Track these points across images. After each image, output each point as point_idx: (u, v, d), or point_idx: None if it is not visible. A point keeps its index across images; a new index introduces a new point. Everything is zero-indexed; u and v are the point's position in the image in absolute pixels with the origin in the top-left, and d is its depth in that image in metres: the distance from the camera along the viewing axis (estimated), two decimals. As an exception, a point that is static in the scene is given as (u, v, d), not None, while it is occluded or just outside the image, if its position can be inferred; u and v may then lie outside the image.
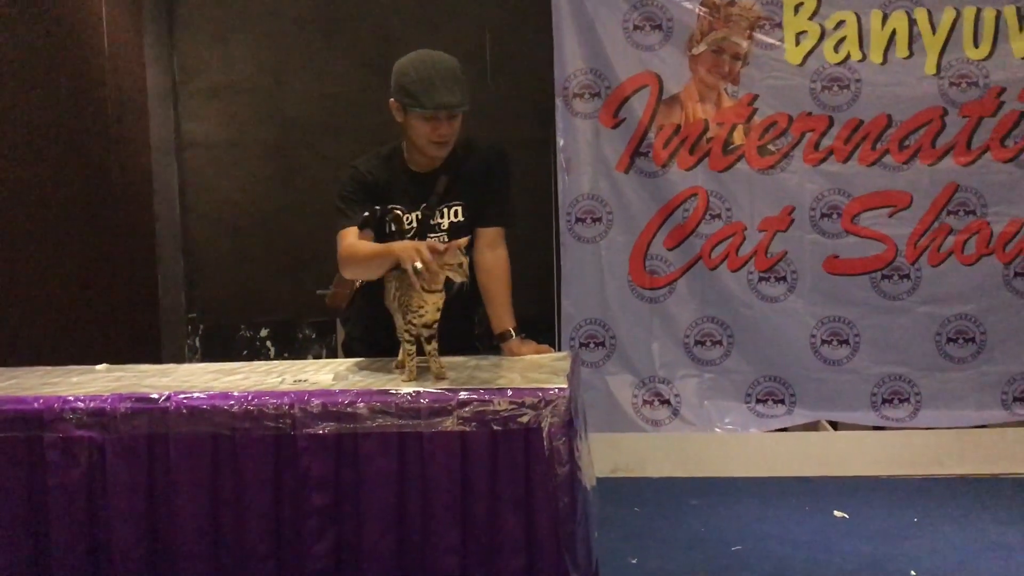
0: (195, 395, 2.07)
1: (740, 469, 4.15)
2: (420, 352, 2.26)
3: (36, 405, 2.08)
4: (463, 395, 2.03)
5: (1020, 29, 4.16)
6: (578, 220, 4.36)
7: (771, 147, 4.27)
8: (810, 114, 4.24)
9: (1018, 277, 4.23)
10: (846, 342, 4.30)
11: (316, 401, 2.04)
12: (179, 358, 4.92)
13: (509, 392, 2.03)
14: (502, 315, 2.62)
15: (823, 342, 4.31)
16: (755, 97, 4.26)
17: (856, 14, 4.20)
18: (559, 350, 3.07)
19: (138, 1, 4.71)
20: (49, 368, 2.60)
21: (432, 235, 2.57)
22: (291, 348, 5.15)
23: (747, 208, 4.29)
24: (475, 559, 2.03)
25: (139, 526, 2.05)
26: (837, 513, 3.67)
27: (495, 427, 2.00)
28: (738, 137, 4.27)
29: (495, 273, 2.63)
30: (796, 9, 4.21)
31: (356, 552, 2.04)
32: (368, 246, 2.44)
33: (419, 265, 2.15)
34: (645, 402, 4.37)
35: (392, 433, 2.02)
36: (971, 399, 4.27)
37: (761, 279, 4.31)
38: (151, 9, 4.89)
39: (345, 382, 2.21)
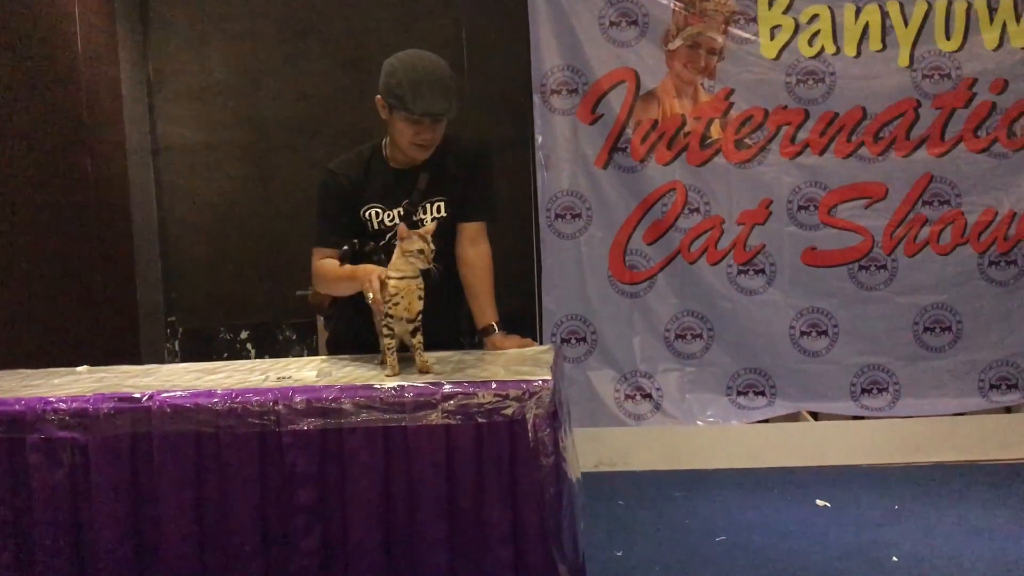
0: (178, 394, 2.06)
1: (723, 461, 4.18)
2: (402, 348, 2.26)
3: (17, 407, 2.06)
4: (447, 388, 2.03)
5: (991, 21, 4.21)
6: (558, 216, 4.37)
7: (748, 141, 4.30)
8: (786, 107, 4.27)
9: (992, 266, 4.28)
10: (825, 333, 4.33)
11: (300, 397, 2.04)
12: (159, 362, 4.89)
13: (493, 384, 2.03)
14: (485, 310, 2.62)
15: (802, 333, 4.34)
16: (731, 91, 4.29)
17: (830, 8, 4.23)
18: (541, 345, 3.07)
19: (111, 3, 4.67)
20: (29, 371, 2.57)
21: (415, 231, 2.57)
22: (272, 350, 5.12)
23: (725, 202, 4.32)
24: (462, 552, 2.03)
25: (123, 526, 2.04)
26: (819, 502, 3.70)
27: (480, 420, 2.00)
28: (715, 131, 4.30)
29: (477, 268, 2.63)
30: (770, 4, 4.25)
31: (343, 548, 2.04)
32: (335, 270, 2.49)
33: (370, 296, 2.21)
34: (627, 396, 4.39)
35: (377, 428, 2.01)
36: (949, 387, 4.31)
37: (740, 272, 4.34)
38: (124, 11, 4.85)
39: (329, 378, 2.20)
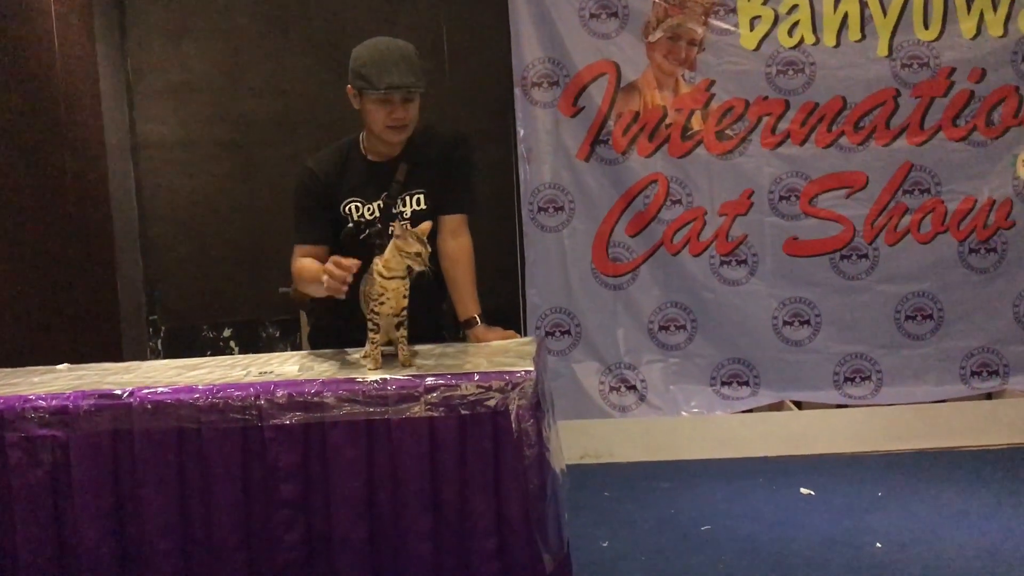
0: (159, 390, 2.05)
1: (707, 451, 4.19)
2: (385, 342, 2.26)
3: (-4, 405, 2.05)
4: (430, 381, 2.02)
5: (968, 10, 4.24)
6: (540, 209, 4.37)
7: (729, 132, 4.31)
8: (766, 98, 4.28)
9: (973, 254, 4.31)
10: (807, 323, 4.35)
11: (282, 392, 2.03)
12: (143, 361, 4.86)
13: (476, 376, 2.03)
14: (467, 302, 2.62)
15: (785, 323, 4.36)
16: (712, 82, 4.30)
17: (809, -2, 4.25)
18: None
19: (88, 1, 4.63)
20: (8, 370, 2.55)
21: (394, 223, 2.56)
22: (255, 347, 5.10)
23: (707, 193, 4.33)
24: (447, 544, 2.03)
25: (106, 524, 2.02)
26: (803, 490, 3.72)
27: (463, 411, 2.00)
28: (696, 123, 4.31)
29: (458, 261, 2.63)
30: (749, -6, 4.26)
31: (327, 542, 2.03)
32: (310, 271, 2.46)
33: (324, 284, 2.23)
34: (612, 388, 4.40)
35: (360, 421, 2.01)
36: (931, 375, 4.35)
37: (723, 263, 4.35)
38: (101, 9, 4.81)
39: (311, 372, 2.19)
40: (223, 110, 5.05)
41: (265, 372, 2.21)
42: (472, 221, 2.69)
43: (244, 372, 2.23)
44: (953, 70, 4.24)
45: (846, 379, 4.36)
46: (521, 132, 4.36)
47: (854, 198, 4.31)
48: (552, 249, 4.38)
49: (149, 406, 2.02)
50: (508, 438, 1.99)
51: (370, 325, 2.24)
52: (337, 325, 2.66)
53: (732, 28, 4.27)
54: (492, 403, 2.00)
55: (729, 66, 4.29)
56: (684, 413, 4.35)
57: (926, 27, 4.25)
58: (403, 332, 2.24)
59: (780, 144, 4.30)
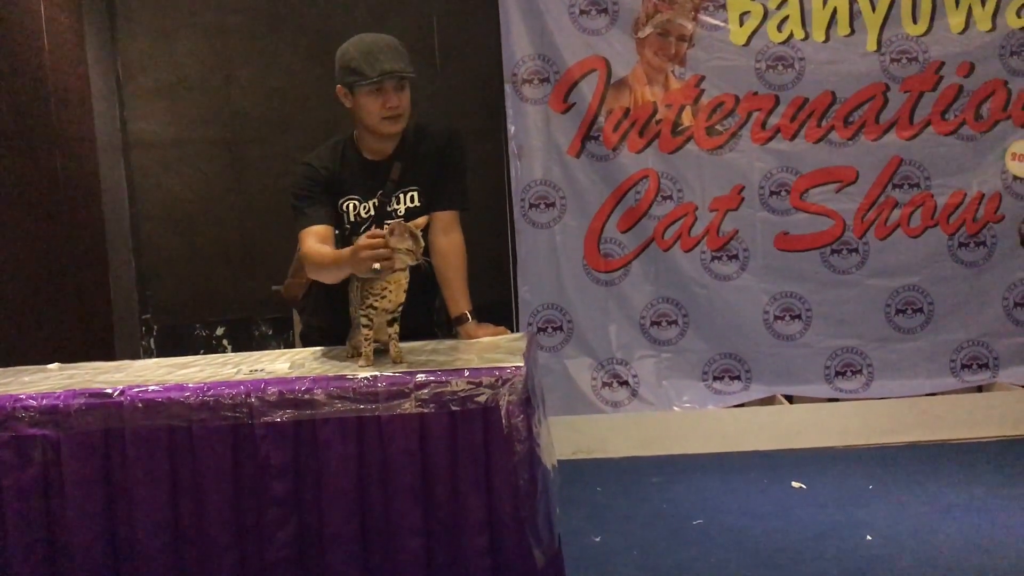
0: (150, 388, 2.06)
1: (699, 446, 4.20)
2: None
3: (-13, 405, 2.05)
4: (420, 377, 2.03)
5: (956, 5, 4.25)
6: (532, 206, 4.38)
7: (719, 127, 4.32)
8: (756, 93, 4.29)
9: (962, 247, 4.33)
10: (798, 317, 4.37)
11: (273, 389, 2.04)
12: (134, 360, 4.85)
13: (466, 372, 2.04)
14: (458, 299, 2.63)
15: (776, 318, 4.37)
16: (702, 78, 4.31)
17: (798, -7, 4.26)
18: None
19: (77, -1, 4.63)
20: (-1, 369, 2.56)
21: (388, 222, 2.56)
22: (248, 346, 5.10)
23: (698, 188, 4.34)
24: (438, 540, 2.04)
25: (97, 523, 2.03)
26: (795, 484, 3.74)
27: (453, 408, 2.01)
28: (686, 118, 4.32)
29: (450, 257, 2.63)
30: (739, -11, 4.27)
31: (319, 539, 2.04)
32: (327, 254, 2.41)
33: (377, 267, 2.16)
34: (604, 384, 4.41)
35: (350, 418, 2.02)
36: (921, 368, 4.36)
37: (714, 258, 4.37)
38: (91, 7, 4.80)
39: (302, 370, 2.20)
40: (214, 108, 5.05)
41: (256, 370, 2.22)
42: (464, 218, 2.70)
43: (235, 370, 2.24)
44: (942, 64, 4.26)
45: (837, 373, 4.38)
46: (512, 129, 4.36)
47: (844, 193, 4.32)
48: (544, 245, 4.39)
49: (140, 405, 2.03)
50: (498, 434, 2.00)
51: (364, 321, 2.24)
52: (328, 323, 2.67)
53: (721, 24, 4.28)
54: (482, 399, 2.01)
55: (719, 62, 4.29)
56: (676, 408, 4.36)
57: (915, 22, 4.26)
58: (395, 329, 2.25)
59: (770, 139, 4.31)
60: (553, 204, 4.38)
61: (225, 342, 5.17)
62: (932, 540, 3.13)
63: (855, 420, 4.26)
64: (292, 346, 4.86)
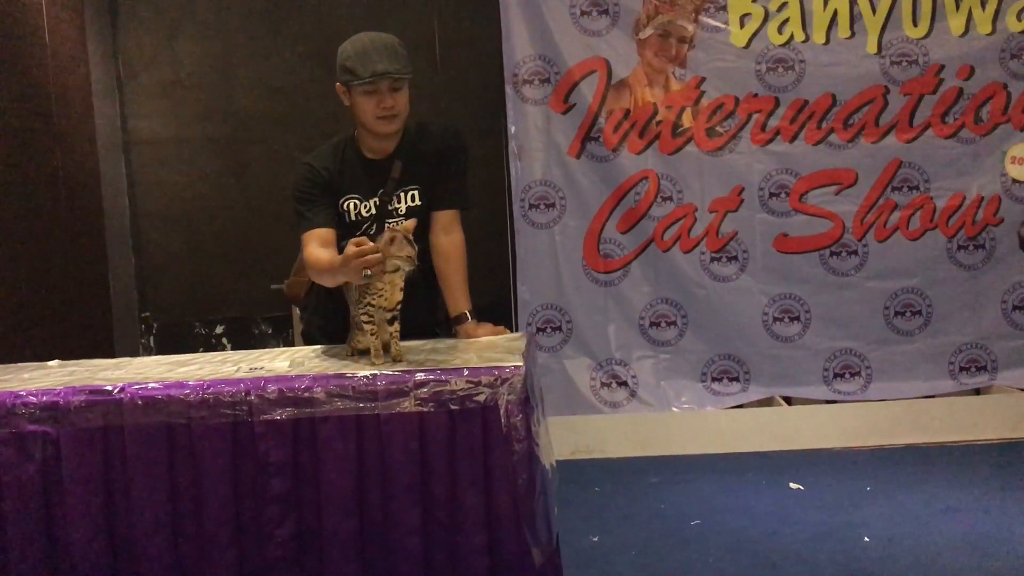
0: (150, 386, 2.06)
1: (697, 447, 4.21)
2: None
3: (-14, 401, 2.05)
4: (420, 376, 2.04)
5: (957, 8, 4.25)
6: (532, 206, 4.38)
7: (719, 129, 4.32)
8: (756, 95, 4.30)
9: (961, 250, 4.33)
10: (797, 319, 4.37)
11: (272, 387, 2.04)
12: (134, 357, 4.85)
13: (465, 371, 2.04)
14: (458, 298, 2.63)
15: (775, 319, 4.38)
16: (702, 80, 4.31)
17: (798, -5, 4.26)
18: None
19: (79, -4, 4.63)
20: (-1, 367, 2.56)
21: (390, 221, 2.57)
22: (247, 344, 5.10)
23: (697, 190, 4.34)
24: (437, 539, 2.04)
25: (96, 520, 2.03)
26: (793, 485, 3.74)
27: (452, 407, 2.02)
28: (687, 120, 4.32)
29: (450, 257, 2.64)
30: (740, -9, 4.27)
31: (318, 537, 2.05)
32: (323, 260, 2.43)
33: (368, 272, 2.18)
34: (603, 384, 4.41)
35: (350, 416, 2.02)
36: (919, 371, 4.37)
37: (713, 259, 4.37)
38: (92, 5, 4.80)
39: (301, 368, 2.20)
40: (215, 107, 5.06)
41: (255, 368, 2.22)
42: (464, 217, 2.70)
43: (235, 368, 2.24)
44: (942, 67, 4.26)
45: (836, 375, 4.38)
46: (512, 129, 4.36)
47: (844, 195, 4.32)
48: (543, 246, 4.39)
49: (140, 402, 2.03)
50: (497, 433, 2.01)
51: (365, 319, 2.25)
52: (329, 322, 2.68)
53: (722, 25, 4.28)
54: (481, 398, 2.01)
55: (719, 63, 4.30)
56: (675, 409, 4.36)
57: (915, 24, 4.26)
58: (396, 327, 2.25)
59: (770, 141, 4.31)
60: (553, 204, 4.38)
61: (225, 340, 5.17)
62: (930, 542, 3.14)
63: (853, 422, 4.26)
64: (291, 344, 4.86)
